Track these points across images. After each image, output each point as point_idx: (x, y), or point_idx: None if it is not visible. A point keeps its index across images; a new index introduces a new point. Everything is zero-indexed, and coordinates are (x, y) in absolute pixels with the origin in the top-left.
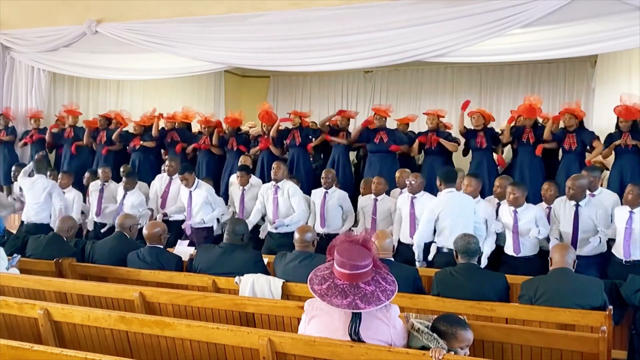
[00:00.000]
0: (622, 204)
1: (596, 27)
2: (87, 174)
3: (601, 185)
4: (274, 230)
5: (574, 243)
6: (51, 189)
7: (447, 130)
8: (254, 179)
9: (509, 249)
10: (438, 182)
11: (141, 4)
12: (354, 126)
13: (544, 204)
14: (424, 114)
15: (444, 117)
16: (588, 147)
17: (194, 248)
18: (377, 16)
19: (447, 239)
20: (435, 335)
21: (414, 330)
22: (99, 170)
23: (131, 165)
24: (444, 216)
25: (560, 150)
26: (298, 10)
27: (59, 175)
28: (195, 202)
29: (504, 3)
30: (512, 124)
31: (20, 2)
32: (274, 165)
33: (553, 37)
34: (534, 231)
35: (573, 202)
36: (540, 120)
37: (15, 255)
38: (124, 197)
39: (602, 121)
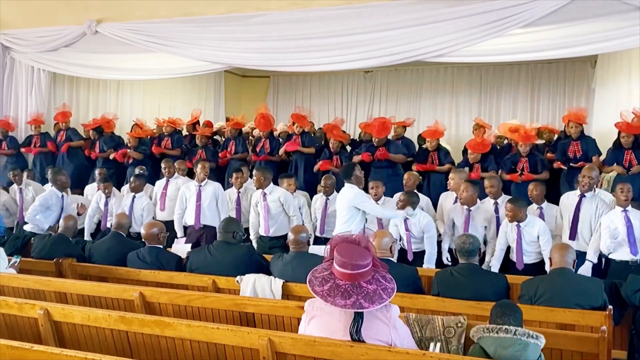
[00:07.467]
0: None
1: (596, 27)
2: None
3: (600, 187)
4: (264, 234)
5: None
6: (39, 194)
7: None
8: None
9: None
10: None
11: (141, 4)
12: (350, 129)
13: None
14: (423, 135)
15: (443, 136)
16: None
17: (190, 246)
18: (377, 16)
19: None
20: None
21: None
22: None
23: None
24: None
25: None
26: (298, 10)
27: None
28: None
29: (504, 3)
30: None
31: (20, 2)
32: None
33: (553, 37)
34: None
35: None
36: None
37: (16, 256)
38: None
39: (602, 122)
